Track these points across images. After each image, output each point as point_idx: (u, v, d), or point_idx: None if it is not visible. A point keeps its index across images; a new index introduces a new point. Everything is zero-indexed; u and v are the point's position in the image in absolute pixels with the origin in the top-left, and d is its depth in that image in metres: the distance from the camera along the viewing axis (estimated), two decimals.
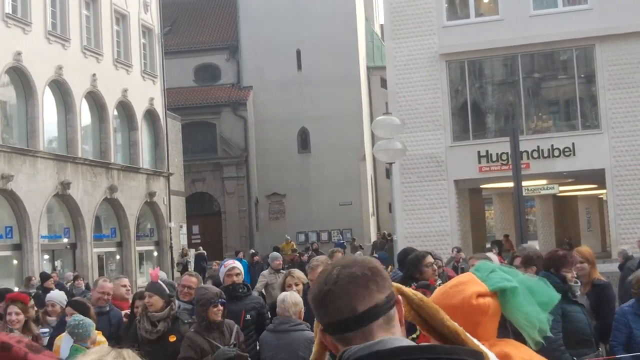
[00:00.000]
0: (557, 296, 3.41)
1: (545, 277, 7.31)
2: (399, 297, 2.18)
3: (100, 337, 7.47)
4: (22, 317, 8.13)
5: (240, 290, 8.88)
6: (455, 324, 2.39)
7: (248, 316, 8.52)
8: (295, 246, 37.63)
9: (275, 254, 16.45)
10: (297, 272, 9.41)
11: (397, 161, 21.04)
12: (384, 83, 38.73)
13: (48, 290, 19.54)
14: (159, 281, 8.22)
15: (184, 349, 7.37)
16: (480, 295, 3.22)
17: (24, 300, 8.39)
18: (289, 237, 38.88)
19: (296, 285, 8.83)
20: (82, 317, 7.29)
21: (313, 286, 2.17)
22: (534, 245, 11.22)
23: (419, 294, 2.52)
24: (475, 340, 2.42)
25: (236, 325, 7.75)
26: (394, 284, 2.25)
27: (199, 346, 7.28)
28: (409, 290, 2.50)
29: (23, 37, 28.67)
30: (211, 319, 7.37)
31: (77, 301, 8.69)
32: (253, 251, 34.42)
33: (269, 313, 8.80)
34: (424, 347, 2.02)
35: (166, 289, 8.14)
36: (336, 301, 2.05)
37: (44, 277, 22.05)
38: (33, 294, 19.04)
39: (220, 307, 7.43)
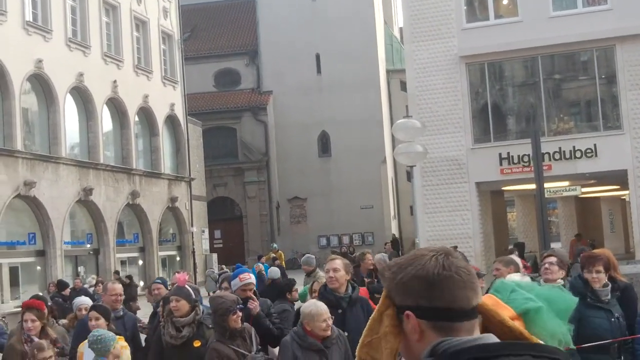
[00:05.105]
0: (574, 300, 3.40)
1: (575, 279, 7.41)
2: None
3: (122, 341, 7.41)
4: (38, 323, 8.28)
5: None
6: (516, 324, 2.28)
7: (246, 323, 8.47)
8: (283, 256, 37.06)
9: (306, 257, 15.92)
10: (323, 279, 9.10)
11: (418, 164, 20.96)
12: (404, 86, 38.72)
13: (66, 297, 19.77)
14: (186, 286, 8.16)
15: None
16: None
17: (39, 307, 8.52)
18: (276, 246, 38.84)
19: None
20: (102, 331, 7.23)
21: (415, 266, 2.03)
22: (557, 246, 11.09)
23: None
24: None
25: (253, 329, 7.74)
26: None
27: (226, 356, 7.26)
28: None
29: (44, 45, 28.87)
30: (232, 327, 7.36)
31: (101, 306, 8.70)
32: (274, 255, 34.43)
33: (269, 320, 8.61)
34: (530, 345, 2.00)
35: (192, 293, 8.09)
36: (456, 289, 2.00)
37: (62, 284, 22.11)
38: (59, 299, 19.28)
39: (239, 314, 7.44)
